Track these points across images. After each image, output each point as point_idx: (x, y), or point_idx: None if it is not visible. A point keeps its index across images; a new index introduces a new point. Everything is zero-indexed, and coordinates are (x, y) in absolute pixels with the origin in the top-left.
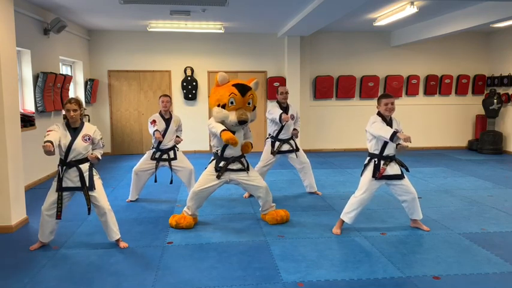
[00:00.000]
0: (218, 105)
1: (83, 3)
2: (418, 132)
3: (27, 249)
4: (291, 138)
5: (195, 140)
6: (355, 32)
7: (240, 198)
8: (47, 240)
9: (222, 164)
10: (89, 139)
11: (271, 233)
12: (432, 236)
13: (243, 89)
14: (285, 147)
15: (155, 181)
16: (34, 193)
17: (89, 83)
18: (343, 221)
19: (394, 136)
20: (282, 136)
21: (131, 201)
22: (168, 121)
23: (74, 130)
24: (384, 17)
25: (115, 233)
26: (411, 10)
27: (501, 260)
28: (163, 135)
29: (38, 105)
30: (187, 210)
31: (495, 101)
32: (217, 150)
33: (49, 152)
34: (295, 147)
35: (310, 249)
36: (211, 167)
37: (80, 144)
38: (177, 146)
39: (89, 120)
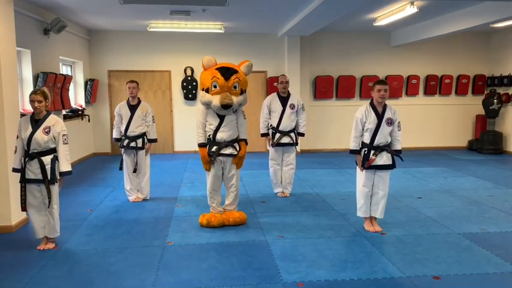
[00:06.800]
0: (202, 89)
1: (83, 3)
2: (418, 132)
3: (27, 249)
4: (293, 130)
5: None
6: (355, 32)
7: (240, 198)
8: (41, 236)
9: (214, 148)
10: (49, 131)
11: (271, 233)
12: (432, 236)
13: (226, 72)
14: (285, 139)
15: (134, 171)
16: None
17: (89, 83)
18: (369, 218)
19: (352, 153)
20: (281, 128)
21: (135, 201)
22: (133, 108)
23: (36, 122)
24: (384, 17)
25: (56, 232)
26: (411, 10)
27: (501, 260)
28: (129, 123)
29: None
30: (214, 207)
31: (495, 101)
32: (209, 135)
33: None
34: (295, 141)
35: (310, 249)
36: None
37: (40, 136)
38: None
39: (89, 120)
